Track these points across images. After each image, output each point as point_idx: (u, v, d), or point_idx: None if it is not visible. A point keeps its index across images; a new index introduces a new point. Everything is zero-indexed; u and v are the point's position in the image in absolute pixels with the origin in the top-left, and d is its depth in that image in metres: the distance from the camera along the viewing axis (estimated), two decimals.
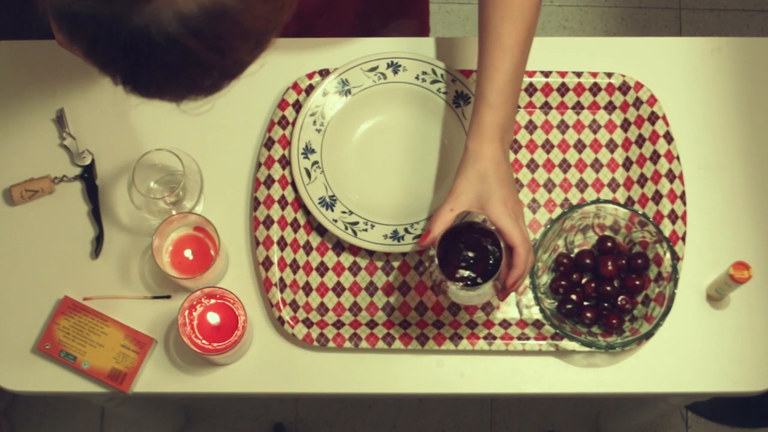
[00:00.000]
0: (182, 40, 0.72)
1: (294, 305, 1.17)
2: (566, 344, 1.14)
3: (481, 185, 1.05)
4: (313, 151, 1.22)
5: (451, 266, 1.03)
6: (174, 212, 1.17)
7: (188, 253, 1.17)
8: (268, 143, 1.22)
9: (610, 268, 1.15)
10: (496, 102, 1.06)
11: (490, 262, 1.03)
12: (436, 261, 1.02)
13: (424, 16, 1.53)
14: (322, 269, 1.20)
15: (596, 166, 1.24)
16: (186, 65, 0.75)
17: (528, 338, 1.15)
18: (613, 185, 1.23)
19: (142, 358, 1.15)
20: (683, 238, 1.18)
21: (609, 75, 1.25)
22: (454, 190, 1.06)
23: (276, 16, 0.78)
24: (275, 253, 1.18)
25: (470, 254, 1.04)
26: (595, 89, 1.25)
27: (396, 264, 1.20)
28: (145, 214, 1.18)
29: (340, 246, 1.20)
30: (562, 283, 1.16)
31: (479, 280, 1.02)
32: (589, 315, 1.14)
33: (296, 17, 0.81)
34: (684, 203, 1.20)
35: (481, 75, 1.08)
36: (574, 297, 1.16)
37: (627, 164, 1.23)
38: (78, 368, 1.15)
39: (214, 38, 0.74)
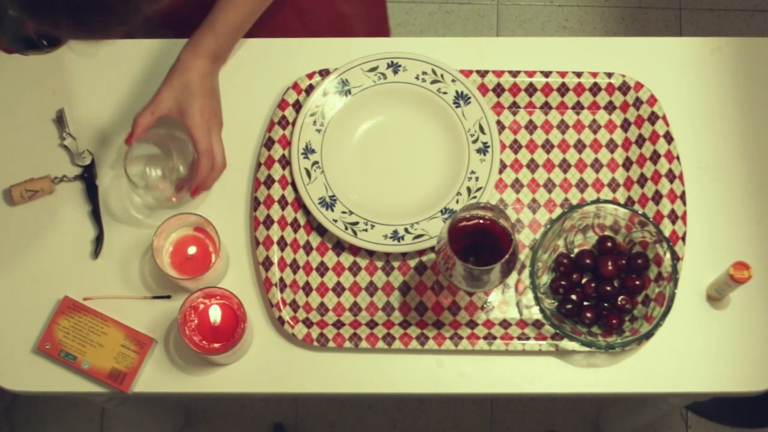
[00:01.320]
0: None
1: (294, 305, 1.17)
2: (566, 344, 1.14)
3: (183, 94, 1.15)
4: (313, 151, 1.22)
5: (461, 252, 1.03)
6: (174, 198, 1.17)
7: (188, 254, 1.17)
8: (268, 143, 1.22)
9: (610, 268, 1.15)
10: (222, 32, 1.17)
11: (498, 251, 1.03)
12: (446, 239, 1.02)
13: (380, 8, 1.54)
14: (322, 269, 1.20)
15: (596, 166, 1.24)
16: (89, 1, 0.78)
17: (528, 338, 1.15)
18: (613, 185, 1.23)
19: (142, 358, 1.15)
20: (683, 238, 1.18)
21: (609, 75, 1.25)
22: (158, 96, 1.15)
23: None
24: (275, 253, 1.18)
25: (479, 246, 1.05)
26: (595, 89, 1.25)
27: (396, 264, 1.20)
28: (147, 198, 1.18)
29: (340, 246, 1.20)
30: (562, 283, 1.16)
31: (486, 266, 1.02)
32: (589, 315, 1.14)
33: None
34: (684, 203, 1.20)
35: (218, 5, 1.17)
36: (574, 297, 1.16)
37: (627, 164, 1.23)
38: (78, 368, 1.15)
39: None
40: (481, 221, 1.05)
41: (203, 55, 1.17)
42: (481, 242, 1.05)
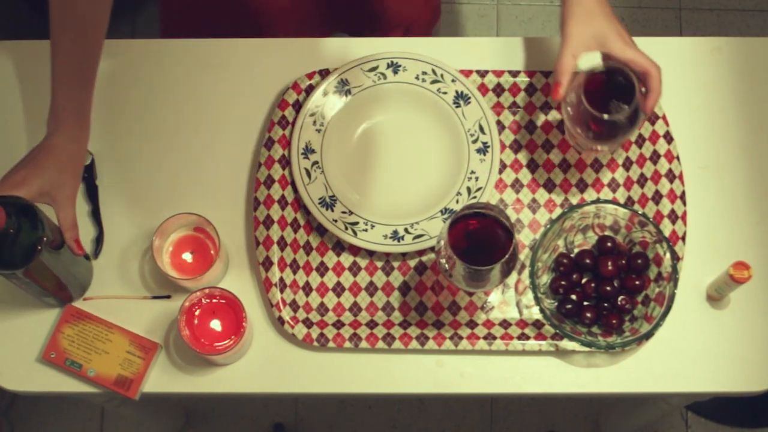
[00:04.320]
0: None
1: (294, 305, 1.17)
2: (566, 344, 1.14)
3: (592, 23, 1.07)
4: (313, 151, 1.22)
5: (461, 252, 1.03)
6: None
7: (188, 254, 1.17)
8: (268, 143, 1.22)
9: (610, 268, 1.15)
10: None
11: (498, 251, 1.02)
12: (446, 239, 1.01)
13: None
14: (322, 269, 1.20)
15: (596, 166, 1.24)
16: None
17: (528, 338, 1.15)
18: (613, 185, 1.23)
19: (148, 363, 1.14)
20: (683, 238, 1.18)
21: None
22: (568, 36, 1.08)
23: None
24: (275, 253, 1.18)
25: (479, 246, 1.04)
26: None
27: (396, 264, 1.20)
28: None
29: (340, 246, 1.20)
30: (562, 283, 1.16)
31: (487, 266, 1.02)
32: (589, 315, 1.14)
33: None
34: (684, 203, 1.20)
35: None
36: (574, 297, 1.16)
37: (627, 164, 1.23)
38: (84, 376, 1.14)
39: None
40: (481, 221, 1.05)
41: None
42: (481, 242, 1.05)
